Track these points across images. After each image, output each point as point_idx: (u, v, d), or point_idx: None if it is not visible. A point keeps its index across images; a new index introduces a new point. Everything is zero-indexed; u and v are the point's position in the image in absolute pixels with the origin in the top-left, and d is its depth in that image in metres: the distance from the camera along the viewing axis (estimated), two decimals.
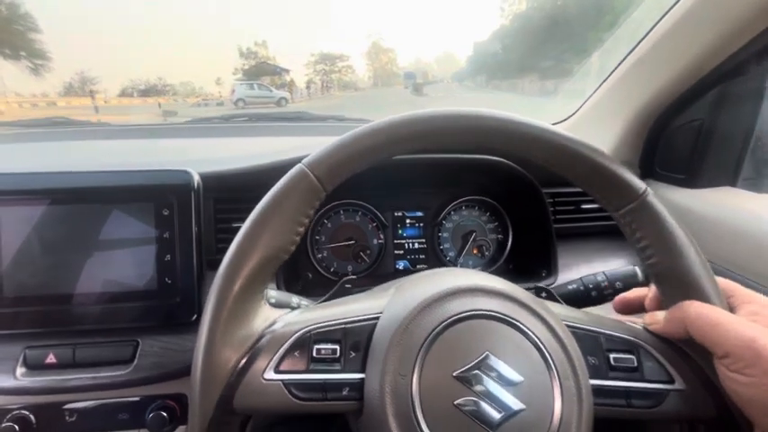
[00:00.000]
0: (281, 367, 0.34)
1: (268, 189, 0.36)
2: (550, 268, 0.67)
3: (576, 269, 0.71)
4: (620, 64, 0.74)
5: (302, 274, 0.74)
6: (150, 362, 0.54)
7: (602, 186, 0.37)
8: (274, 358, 0.34)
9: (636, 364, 0.36)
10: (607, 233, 0.76)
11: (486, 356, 0.32)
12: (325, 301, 0.46)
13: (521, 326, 0.34)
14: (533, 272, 0.70)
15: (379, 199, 0.77)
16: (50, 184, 0.54)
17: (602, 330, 0.37)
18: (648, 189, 0.36)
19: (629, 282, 0.51)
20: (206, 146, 0.84)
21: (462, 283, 0.36)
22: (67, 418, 0.55)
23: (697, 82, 0.63)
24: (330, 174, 0.36)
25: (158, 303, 0.55)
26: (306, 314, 0.37)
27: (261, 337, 0.35)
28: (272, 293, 0.48)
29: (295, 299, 0.49)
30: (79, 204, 0.54)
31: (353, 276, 0.47)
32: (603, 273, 0.53)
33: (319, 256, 0.76)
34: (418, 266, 0.79)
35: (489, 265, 0.78)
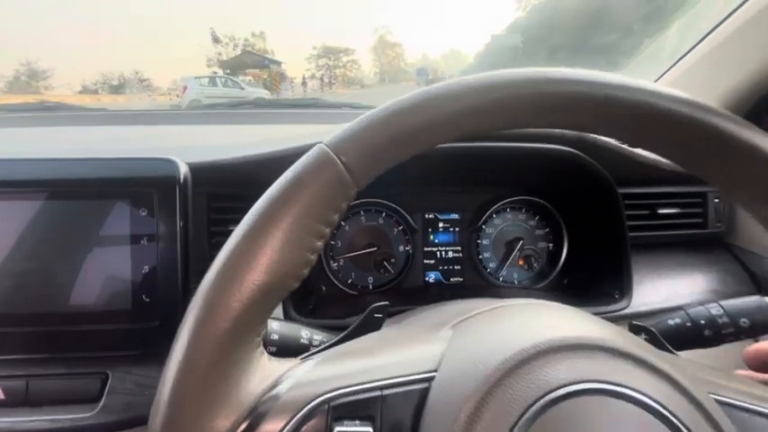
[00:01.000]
0: None
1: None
2: (623, 289, 0.54)
3: (653, 289, 0.57)
4: (698, 43, 0.60)
5: (314, 286, 0.62)
6: (121, 401, 0.43)
7: (756, 179, 0.23)
8: None
9: None
10: (687, 244, 0.62)
11: None
12: (346, 337, 0.33)
13: (660, 409, 0.21)
14: (598, 292, 0.56)
15: (408, 197, 0.64)
16: None
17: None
18: None
19: (760, 318, 0.37)
20: (204, 133, 0.72)
21: (564, 331, 0.23)
22: None
23: None
24: (365, 162, 0.23)
25: (132, 327, 0.43)
26: (322, 369, 0.25)
27: (258, 404, 0.23)
28: (274, 326, 0.36)
29: (305, 332, 0.36)
30: (33, 201, 0.42)
31: (385, 303, 0.34)
32: (719, 304, 0.39)
33: (335, 265, 0.63)
34: (452, 279, 0.66)
35: (537, 280, 0.65)
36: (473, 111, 0.24)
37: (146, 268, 0.43)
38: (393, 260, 0.64)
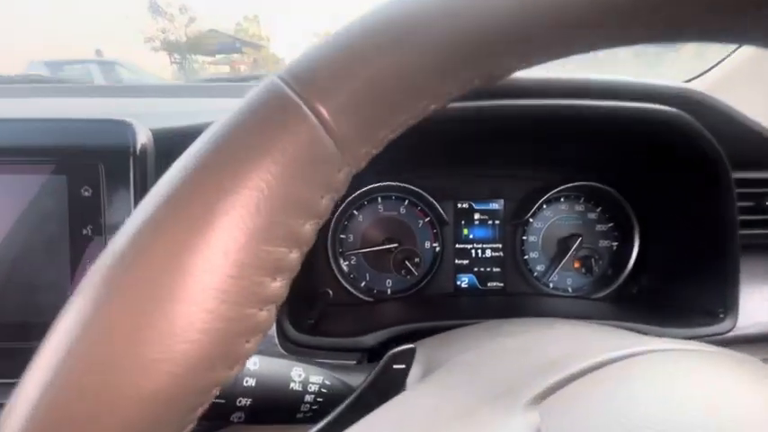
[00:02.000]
0: None
1: None
2: (727, 304, 0.40)
3: (762, 304, 0.44)
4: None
5: (319, 291, 0.50)
6: None
7: None
8: None
9: None
10: None
11: None
12: (356, 403, 0.21)
13: None
14: (689, 308, 0.43)
15: (436, 181, 0.51)
16: None
17: None
18: None
19: None
20: (175, 104, 0.60)
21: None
22: None
23: None
24: (366, 121, 0.12)
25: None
26: None
27: None
28: (253, 366, 0.24)
29: (295, 371, 0.25)
30: None
31: (410, 346, 0.22)
32: None
33: (345, 264, 0.52)
34: (489, 284, 0.53)
35: (598, 288, 0.52)
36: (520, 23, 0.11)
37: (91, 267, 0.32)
38: (417, 259, 0.52)
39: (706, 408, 0.15)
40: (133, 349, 0.10)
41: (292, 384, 0.24)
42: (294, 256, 0.12)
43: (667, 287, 0.47)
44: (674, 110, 0.36)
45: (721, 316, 0.40)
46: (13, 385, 0.11)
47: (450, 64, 0.11)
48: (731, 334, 0.41)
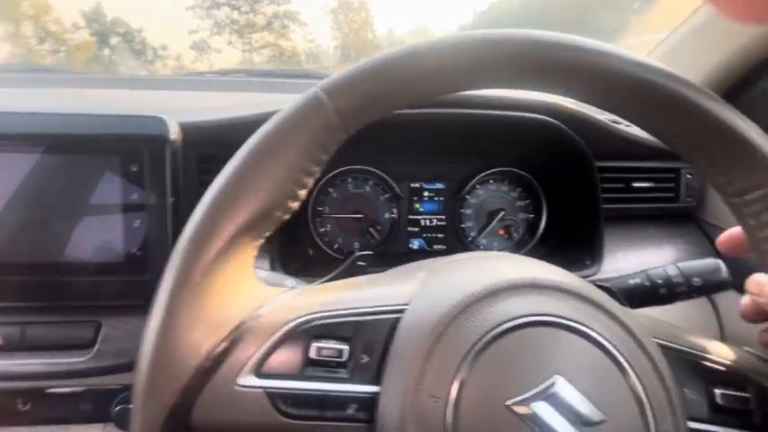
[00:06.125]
0: (265, 369, 0.24)
1: None
2: (595, 255, 0.57)
3: (623, 258, 0.60)
4: (685, 21, 0.61)
5: (302, 250, 0.64)
6: (115, 348, 0.45)
7: (722, 156, 0.25)
8: (256, 355, 0.24)
9: (752, 406, 0.26)
10: (659, 217, 0.65)
11: (555, 382, 0.23)
12: (330, 280, 0.36)
13: (603, 341, 0.24)
14: (572, 259, 0.59)
15: (394, 166, 0.66)
16: None
17: (706, 355, 0.27)
18: None
19: (712, 278, 0.40)
20: (197, 99, 0.72)
21: (524, 274, 0.26)
22: (20, 407, 0.47)
23: None
24: (356, 108, 0.25)
25: (124, 279, 0.45)
26: (306, 297, 0.27)
27: (240, 324, 0.25)
28: (261, 274, 0.38)
29: (290, 281, 0.39)
30: (27, 154, 0.43)
31: (369, 252, 0.36)
32: (676, 266, 0.42)
33: (322, 229, 0.66)
34: (435, 246, 0.68)
35: (517, 249, 0.68)
36: (470, 65, 0.25)
37: (137, 223, 0.45)
38: (379, 227, 0.66)
39: (503, 270, 0.28)
40: (247, 183, 0.23)
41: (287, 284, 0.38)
42: (308, 181, 0.25)
43: (561, 247, 0.64)
44: (549, 119, 0.52)
45: (588, 263, 0.57)
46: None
47: (409, 88, 0.24)
48: (596, 276, 0.57)
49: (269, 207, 0.24)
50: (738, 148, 0.25)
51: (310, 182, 0.25)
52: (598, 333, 0.24)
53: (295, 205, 0.25)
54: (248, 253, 0.26)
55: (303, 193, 0.25)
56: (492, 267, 0.28)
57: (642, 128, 0.27)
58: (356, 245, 0.67)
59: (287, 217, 0.26)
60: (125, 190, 0.45)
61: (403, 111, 0.51)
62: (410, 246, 0.68)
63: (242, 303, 0.25)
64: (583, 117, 0.55)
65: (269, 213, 0.24)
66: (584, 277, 0.56)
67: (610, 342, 0.24)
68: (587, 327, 0.24)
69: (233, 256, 0.24)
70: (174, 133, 0.46)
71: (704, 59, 0.59)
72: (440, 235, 0.68)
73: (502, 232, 0.68)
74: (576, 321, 0.24)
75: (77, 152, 0.44)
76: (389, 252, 0.67)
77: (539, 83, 0.26)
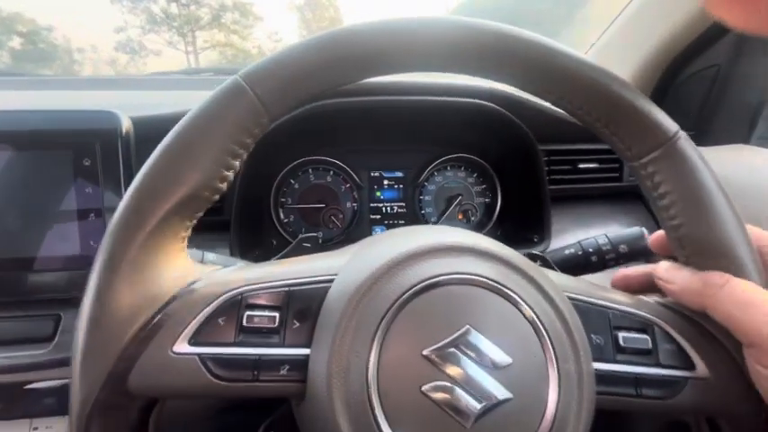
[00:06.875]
0: (199, 338, 0.26)
1: None
2: (543, 233, 0.60)
3: (573, 234, 0.64)
4: (629, 4, 0.65)
5: (265, 240, 0.65)
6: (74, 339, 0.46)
7: (621, 125, 0.29)
8: (190, 326, 0.26)
9: (650, 345, 0.29)
10: (606, 196, 0.69)
11: (467, 331, 0.25)
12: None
13: (512, 294, 0.26)
14: (524, 238, 0.63)
15: (354, 157, 0.68)
16: None
17: (611, 304, 0.30)
18: (681, 132, 0.28)
19: (636, 245, 0.44)
20: (163, 97, 0.73)
21: (443, 239, 0.28)
22: None
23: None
24: (276, 92, 0.27)
25: (83, 272, 0.46)
26: (240, 272, 0.29)
27: (174, 298, 0.26)
28: (211, 257, 0.39)
29: (241, 263, 0.40)
30: None
31: (313, 234, 0.38)
32: (605, 235, 0.45)
33: (285, 220, 0.67)
34: None
35: (475, 231, 0.71)
36: (384, 51, 0.27)
37: (92, 216, 0.46)
38: (341, 215, 0.68)
39: (427, 237, 0.30)
40: (175, 167, 0.25)
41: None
42: (234, 163, 0.27)
43: (515, 228, 0.67)
44: (482, 101, 0.55)
45: (536, 241, 0.60)
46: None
47: (326, 73, 0.26)
48: (547, 251, 0.60)
49: (196, 187, 0.26)
50: (632, 117, 0.28)
51: (237, 164, 0.27)
52: (509, 289, 0.26)
53: (223, 186, 0.27)
54: (180, 232, 0.27)
55: (231, 174, 0.27)
56: (419, 235, 0.30)
57: (555, 105, 0.30)
58: (319, 234, 0.68)
59: (216, 197, 0.27)
60: (79, 185, 0.46)
61: (347, 99, 0.54)
62: (373, 233, 0.70)
63: (176, 277, 0.27)
64: (527, 103, 0.58)
65: (197, 193, 0.26)
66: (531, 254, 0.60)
67: (520, 297, 0.26)
68: (500, 284, 0.27)
69: (165, 234, 0.26)
70: (126, 127, 0.47)
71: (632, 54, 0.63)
72: (401, 221, 0.71)
73: (460, 216, 0.71)
74: (490, 279, 0.27)
75: (29, 149, 0.45)
76: (353, 239, 0.69)
77: (451, 66, 0.29)
